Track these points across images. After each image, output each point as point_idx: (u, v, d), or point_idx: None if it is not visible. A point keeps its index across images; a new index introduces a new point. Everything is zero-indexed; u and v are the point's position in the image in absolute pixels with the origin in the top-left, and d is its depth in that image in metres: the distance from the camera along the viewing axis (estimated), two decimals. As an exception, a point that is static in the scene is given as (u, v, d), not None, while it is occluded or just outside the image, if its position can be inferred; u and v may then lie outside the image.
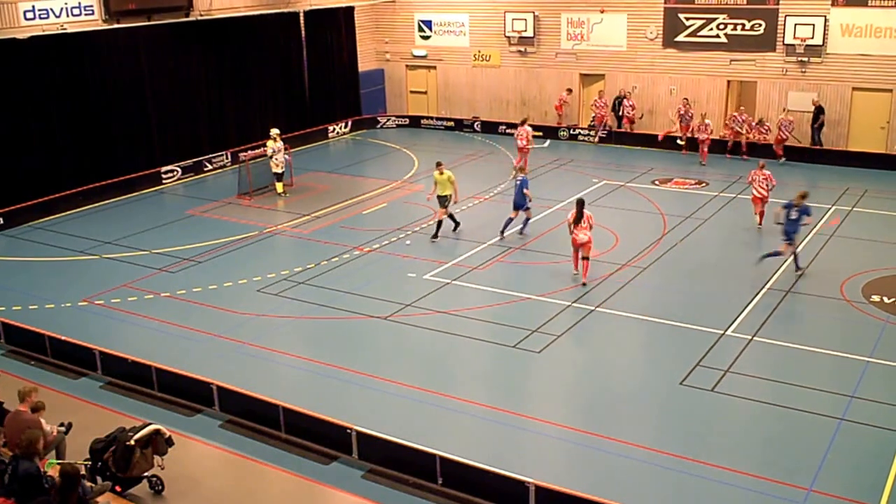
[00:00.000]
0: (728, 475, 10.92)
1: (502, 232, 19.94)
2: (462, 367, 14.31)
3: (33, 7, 22.92)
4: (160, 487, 10.67)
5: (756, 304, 16.03)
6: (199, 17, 27.11)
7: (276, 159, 23.94)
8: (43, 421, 10.36)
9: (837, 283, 16.89)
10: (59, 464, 9.77)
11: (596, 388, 13.52)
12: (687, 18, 28.47)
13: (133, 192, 24.93)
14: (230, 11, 28.16)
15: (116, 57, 24.79)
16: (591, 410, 12.79)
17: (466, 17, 32.61)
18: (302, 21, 30.66)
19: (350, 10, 32.42)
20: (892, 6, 25.46)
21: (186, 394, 13.02)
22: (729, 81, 28.61)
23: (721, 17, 27.88)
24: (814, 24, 26.22)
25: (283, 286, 17.49)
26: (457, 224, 20.36)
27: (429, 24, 33.51)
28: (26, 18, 22.84)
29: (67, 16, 23.72)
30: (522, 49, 31.61)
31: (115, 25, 24.71)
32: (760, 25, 27.34)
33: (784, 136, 26.45)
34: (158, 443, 10.54)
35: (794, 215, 17.05)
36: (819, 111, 26.83)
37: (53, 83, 23.25)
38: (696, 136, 27.15)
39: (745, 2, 27.40)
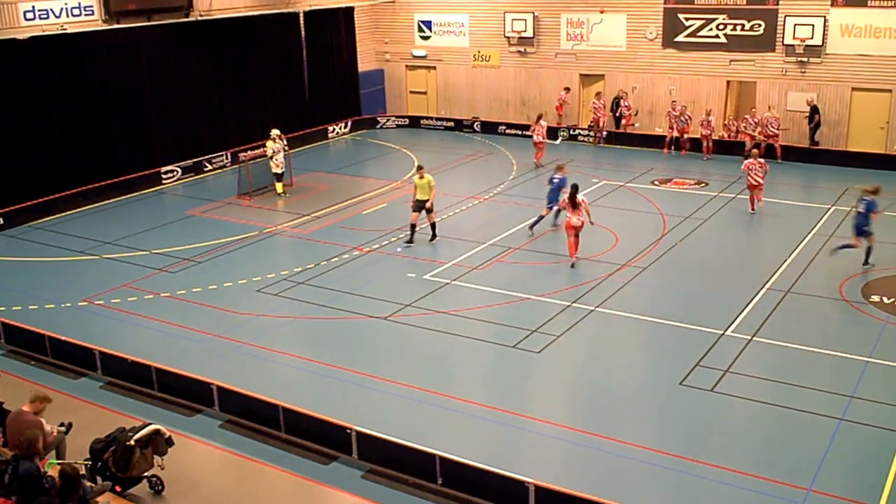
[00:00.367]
0: (728, 475, 10.92)
1: (534, 224, 20.36)
2: (462, 367, 14.32)
3: (33, 7, 22.93)
4: (160, 487, 10.68)
5: (756, 304, 16.03)
6: (199, 18, 27.12)
7: (276, 160, 23.94)
8: (43, 421, 10.36)
9: (837, 283, 16.89)
10: (59, 464, 9.77)
11: (596, 388, 13.53)
12: (686, 19, 28.49)
13: (133, 193, 24.94)
14: (230, 12, 28.17)
15: (116, 57, 24.79)
16: (590, 410, 12.80)
17: (466, 17, 32.62)
18: (302, 21, 30.68)
19: (350, 10, 32.44)
20: (891, 6, 25.47)
21: (186, 394, 13.03)
22: (728, 82, 28.62)
23: (721, 18, 27.89)
24: (813, 25, 26.23)
25: (282, 286, 17.49)
26: (412, 234, 19.66)
27: (428, 24, 33.52)
28: (26, 19, 22.85)
29: (67, 16, 23.73)
30: (522, 49, 31.62)
31: (115, 26, 24.72)
32: (760, 26, 27.35)
33: (771, 133, 26.50)
34: (158, 443, 10.54)
35: (861, 208, 17.34)
36: (814, 111, 26.85)
37: (53, 83, 23.25)
38: (700, 131, 27.30)
39: (744, 2, 27.41)
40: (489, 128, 32.10)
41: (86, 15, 24.16)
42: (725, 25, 27.87)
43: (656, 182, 24.85)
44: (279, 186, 24.29)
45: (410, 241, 19.70)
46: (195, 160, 26.98)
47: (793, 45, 26.72)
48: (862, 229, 17.21)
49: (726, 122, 28.55)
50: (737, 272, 17.78)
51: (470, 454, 10.84)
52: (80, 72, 23.92)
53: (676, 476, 11.01)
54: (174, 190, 25.75)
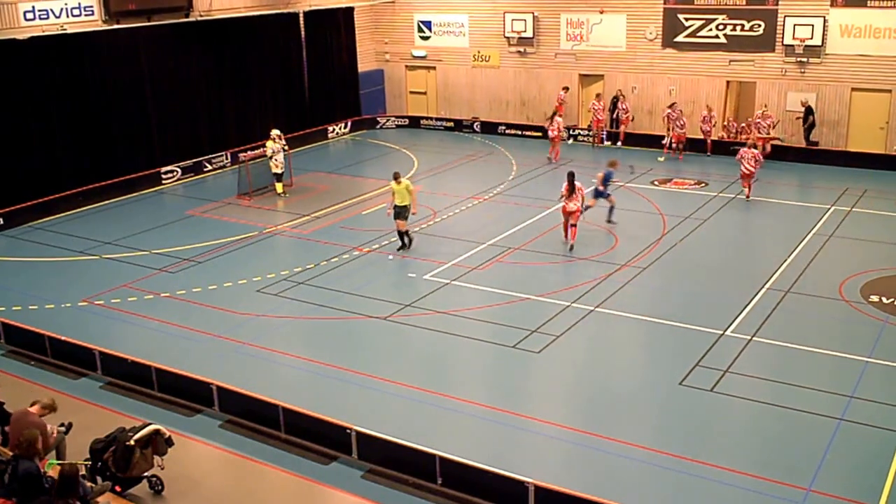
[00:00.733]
0: (727, 475, 10.93)
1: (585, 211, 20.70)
2: (462, 367, 14.33)
3: (33, 7, 22.94)
4: (160, 487, 10.68)
5: (755, 304, 16.04)
6: (199, 18, 27.13)
7: (276, 160, 23.94)
8: (46, 423, 10.37)
9: (836, 283, 16.90)
10: (59, 464, 9.78)
11: (596, 388, 13.53)
12: (686, 19, 28.49)
13: (133, 193, 24.94)
14: (230, 12, 28.18)
15: (116, 57, 24.79)
16: (590, 410, 12.81)
17: (466, 17, 32.62)
18: (302, 21, 30.68)
19: (350, 10, 32.44)
20: (891, 6, 25.48)
21: (186, 394, 13.04)
22: (728, 82, 28.63)
23: (720, 18, 27.90)
24: (813, 25, 26.23)
25: (282, 286, 17.50)
26: (406, 243, 19.31)
27: (428, 24, 33.53)
28: (26, 19, 22.85)
29: (67, 16, 23.74)
30: (522, 49, 31.62)
31: (115, 26, 24.72)
32: (760, 26, 27.36)
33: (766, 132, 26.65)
34: (158, 443, 10.55)
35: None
36: (809, 112, 26.84)
37: (53, 83, 23.26)
38: (701, 126, 27.37)
39: (744, 2, 27.42)
40: (489, 128, 32.10)
41: (86, 15, 24.16)
42: (725, 26, 27.87)
43: (656, 182, 24.86)
44: (279, 186, 24.29)
45: (404, 246, 19.29)
46: (195, 160, 26.98)
47: (792, 46, 26.73)
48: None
49: (726, 122, 28.55)
50: (737, 272, 17.78)
51: (470, 454, 10.85)
52: (80, 72, 23.92)
53: (676, 476, 11.02)
54: (174, 190, 25.76)
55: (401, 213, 18.98)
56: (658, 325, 15.35)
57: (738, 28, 27.69)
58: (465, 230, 20.66)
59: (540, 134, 30.69)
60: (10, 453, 9.70)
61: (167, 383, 13.23)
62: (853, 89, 26.62)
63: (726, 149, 27.17)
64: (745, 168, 22.27)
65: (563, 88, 30.61)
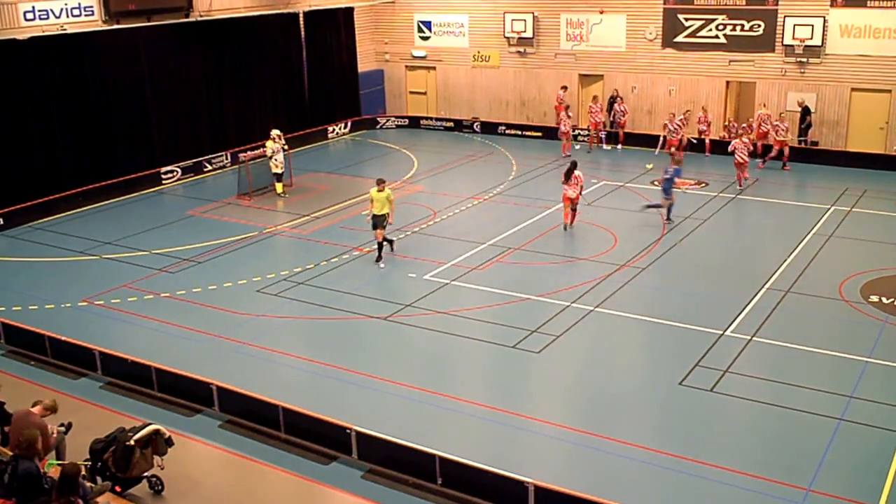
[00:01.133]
0: (727, 475, 10.94)
1: (647, 207, 21.41)
2: (462, 367, 14.32)
3: (33, 8, 22.94)
4: (160, 487, 10.68)
5: (755, 304, 16.04)
6: (199, 18, 27.13)
7: (276, 160, 23.94)
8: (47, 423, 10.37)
9: (836, 283, 16.91)
10: (59, 464, 9.79)
11: (595, 389, 13.54)
12: (686, 19, 28.50)
13: (133, 193, 24.94)
14: (230, 12, 28.18)
15: (116, 57, 24.79)
16: (590, 410, 12.81)
17: (466, 17, 32.62)
18: (302, 21, 30.68)
19: (350, 10, 32.44)
20: (890, 7, 25.48)
21: (186, 394, 13.03)
22: (728, 82, 28.63)
23: (720, 18, 27.91)
24: (813, 25, 26.23)
25: (282, 286, 17.50)
26: (380, 253, 18.52)
27: (428, 24, 33.53)
28: (26, 19, 22.85)
29: (67, 16, 23.74)
30: (522, 50, 31.63)
31: (115, 26, 24.72)
32: (759, 26, 27.36)
33: (765, 131, 26.66)
34: (158, 443, 10.55)
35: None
36: (805, 112, 26.83)
37: (53, 83, 23.26)
38: (698, 127, 27.39)
39: (744, 2, 27.42)
40: (489, 128, 32.10)
41: (86, 15, 24.17)
42: (725, 26, 27.88)
43: (656, 182, 24.82)
44: (279, 187, 24.29)
45: (381, 258, 18.51)
46: (195, 160, 26.98)
47: (792, 46, 26.73)
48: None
49: (727, 122, 28.54)
50: (736, 272, 17.79)
51: (470, 454, 10.85)
52: (80, 72, 23.92)
53: (676, 476, 11.02)
54: (174, 190, 25.76)
55: (379, 221, 18.25)
56: (658, 325, 15.35)
57: (738, 28, 27.69)
58: (464, 230, 20.67)
59: (540, 134, 30.76)
60: (10, 453, 9.71)
61: (167, 383, 13.23)
62: (853, 89, 26.63)
63: (726, 149, 27.17)
64: (739, 157, 23.41)
65: (562, 88, 30.61)
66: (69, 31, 23.58)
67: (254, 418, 12.36)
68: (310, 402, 12.35)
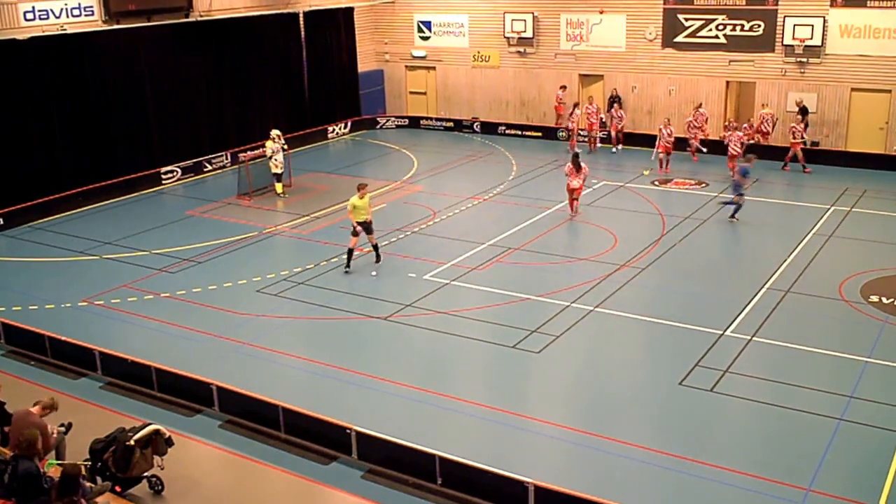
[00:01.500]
0: (727, 475, 10.94)
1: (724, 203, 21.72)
2: (462, 367, 14.33)
3: (33, 8, 22.94)
4: (160, 487, 10.68)
5: (755, 304, 16.04)
6: (199, 18, 27.13)
7: (276, 160, 23.95)
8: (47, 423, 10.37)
9: (836, 283, 16.91)
10: (59, 464, 9.79)
11: (595, 388, 13.54)
12: (686, 19, 28.50)
13: (133, 193, 24.94)
14: (230, 12, 28.18)
15: (116, 57, 24.79)
16: (590, 410, 12.81)
17: (466, 17, 32.62)
18: (301, 21, 30.69)
19: (349, 10, 32.44)
20: (890, 7, 25.48)
21: (186, 394, 13.04)
22: (728, 82, 28.62)
23: (720, 18, 27.91)
24: (813, 25, 26.23)
25: (282, 286, 17.50)
26: (350, 259, 18.19)
27: (428, 24, 33.53)
28: (26, 19, 22.86)
29: (67, 16, 23.74)
30: (522, 50, 31.63)
31: (115, 26, 24.73)
32: (759, 26, 27.36)
33: (765, 131, 26.70)
34: (158, 443, 10.55)
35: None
36: (804, 112, 26.83)
37: (53, 83, 23.26)
38: (693, 124, 27.34)
39: (744, 2, 27.43)
40: (489, 128, 32.10)
41: (86, 15, 24.17)
42: (725, 26, 27.88)
43: (656, 182, 24.87)
44: (279, 187, 24.29)
45: (349, 266, 18.15)
46: (195, 160, 26.98)
47: (792, 46, 26.73)
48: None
49: (727, 122, 28.47)
50: (736, 272, 17.79)
51: (470, 454, 10.85)
52: (80, 72, 23.92)
53: (676, 476, 11.02)
54: (174, 190, 25.76)
55: (368, 226, 18.01)
56: (658, 325, 15.35)
57: (738, 28, 27.69)
58: (464, 230, 20.67)
59: (540, 134, 30.76)
60: (10, 453, 9.71)
61: (167, 383, 13.23)
62: (853, 89, 26.63)
63: (726, 149, 27.15)
64: (732, 149, 24.17)
65: (561, 87, 30.60)
66: (69, 32, 23.58)
67: (254, 418, 12.36)
68: (310, 402, 12.36)
